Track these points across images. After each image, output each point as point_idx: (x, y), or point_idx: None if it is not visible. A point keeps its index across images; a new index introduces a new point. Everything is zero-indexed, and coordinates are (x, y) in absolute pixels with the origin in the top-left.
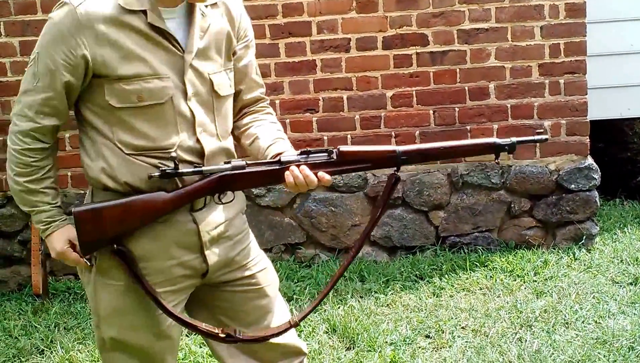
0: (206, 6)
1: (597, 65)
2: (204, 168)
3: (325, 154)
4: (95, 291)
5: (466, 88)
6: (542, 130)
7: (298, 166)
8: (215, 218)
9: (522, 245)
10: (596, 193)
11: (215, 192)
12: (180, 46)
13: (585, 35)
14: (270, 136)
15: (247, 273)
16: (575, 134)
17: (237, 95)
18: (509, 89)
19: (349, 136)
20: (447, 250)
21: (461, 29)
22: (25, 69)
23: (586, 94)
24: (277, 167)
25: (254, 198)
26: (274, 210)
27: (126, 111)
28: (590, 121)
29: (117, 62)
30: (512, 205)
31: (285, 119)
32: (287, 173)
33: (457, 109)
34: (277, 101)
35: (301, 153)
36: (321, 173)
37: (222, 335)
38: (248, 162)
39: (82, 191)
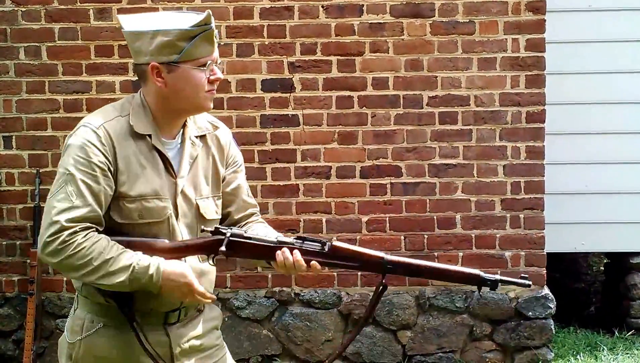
0: (196, 136)
1: (554, 202)
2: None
3: (319, 244)
4: None
5: (435, 217)
6: (526, 276)
7: (292, 249)
8: (188, 331)
9: None
10: (552, 321)
11: (210, 252)
12: (174, 171)
13: (544, 176)
14: (263, 230)
15: None
16: (533, 265)
17: (227, 216)
18: (473, 220)
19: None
20: None
21: (432, 164)
22: (51, 194)
23: (544, 229)
24: (272, 245)
25: (234, 309)
26: (252, 322)
27: (126, 225)
28: (547, 253)
29: (126, 180)
30: (474, 328)
31: None
32: (278, 252)
33: (426, 236)
34: None
35: (297, 238)
36: (314, 262)
37: None
38: (246, 234)
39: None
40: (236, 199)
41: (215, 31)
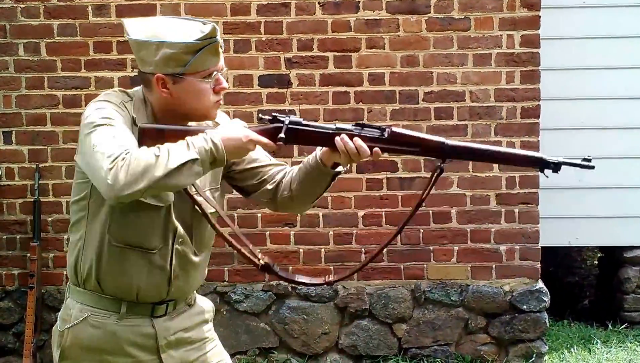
0: None
1: (549, 197)
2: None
3: (378, 131)
4: None
5: (430, 212)
6: (589, 158)
7: (351, 137)
8: (176, 325)
9: (477, 359)
10: (546, 314)
11: (270, 140)
12: None
13: (538, 171)
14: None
15: None
16: (527, 259)
17: (262, 183)
18: (469, 215)
19: (322, 250)
20: (408, 360)
21: (427, 159)
22: (89, 151)
23: (538, 223)
24: (331, 131)
25: (232, 303)
26: (250, 315)
27: (124, 207)
28: (542, 247)
29: None
30: (469, 322)
31: (265, 231)
32: (337, 138)
33: (421, 230)
34: (259, 215)
35: (356, 125)
36: (377, 149)
37: None
38: (304, 121)
39: None
40: (260, 167)
41: (221, 42)
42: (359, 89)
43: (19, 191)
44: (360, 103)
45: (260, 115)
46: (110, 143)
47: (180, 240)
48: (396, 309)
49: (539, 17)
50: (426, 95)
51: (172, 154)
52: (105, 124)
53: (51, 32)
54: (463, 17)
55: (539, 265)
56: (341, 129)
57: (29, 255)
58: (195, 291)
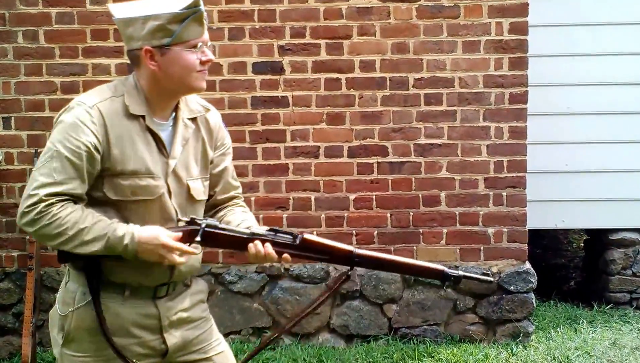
0: (188, 119)
1: (536, 181)
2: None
3: (291, 237)
4: (62, 362)
5: (420, 195)
6: (488, 273)
7: (264, 242)
8: (176, 305)
9: (466, 339)
10: (533, 295)
11: (186, 242)
12: (167, 151)
13: (526, 155)
14: (240, 217)
15: (204, 355)
16: (515, 241)
17: (211, 196)
18: (457, 198)
19: (314, 233)
20: (398, 340)
21: (417, 143)
22: (36, 167)
23: (526, 206)
24: (245, 237)
25: (226, 284)
26: (244, 296)
27: (120, 202)
28: (529, 229)
29: (119, 159)
30: (458, 302)
31: (259, 214)
32: (250, 244)
33: (411, 213)
34: (253, 198)
35: (270, 230)
36: (286, 255)
37: None
38: (220, 225)
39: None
40: (221, 180)
41: (205, 13)
42: (350, 75)
43: (18, 176)
44: (352, 90)
45: (178, 217)
46: (46, 181)
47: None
48: (386, 290)
49: (527, 4)
50: (416, 81)
51: (85, 241)
52: (59, 154)
53: (49, 20)
54: (453, 4)
55: (526, 247)
56: (255, 235)
57: (28, 237)
58: None
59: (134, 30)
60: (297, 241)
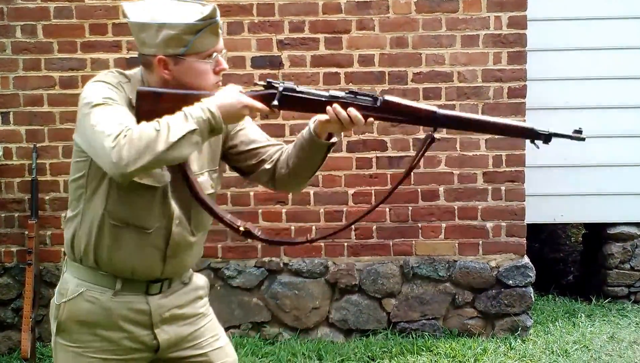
0: None
1: (534, 175)
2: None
3: (371, 99)
4: (56, 351)
5: (419, 190)
6: (581, 129)
7: (344, 105)
8: (170, 302)
9: (464, 333)
10: (531, 289)
11: (267, 102)
12: None
13: (524, 149)
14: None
15: (199, 351)
16: (513, 235)
17: (261, 163)
18: (456, 192)
19: (313, 228)
20: (397, 334)
21: (416, 138)
22: (90, 125)
23: (524, 201)
24: (324, 99)
25: (225, 279)
26: (243, 291)
27: (121, 192)
28: (527, 224)
29: None
30: (457, 296)
31: (258, 209)
32: (329, 108)
33: (410, 208)
34: (252, 193)
35: (349, 92)
36: (371, 119)
37: None
38: (298, 88)
39: None
40: (260, 147)
41: (220, 22)
42: (349, 70)
43: (17, 171)
44: (351, 84)
45: (255, 81)
46: (109, 121)
47: (177, 221)
48: (385, 284)
49: None
50: (415, 76)
51: (172, 128)
52: (103, 104)
53: (48, 14)
54: None
55: (525, 241)
56: (334, 97)
57: (27, 232)
58: (190, 269)
59: (147, 37)
60: (379, 103)
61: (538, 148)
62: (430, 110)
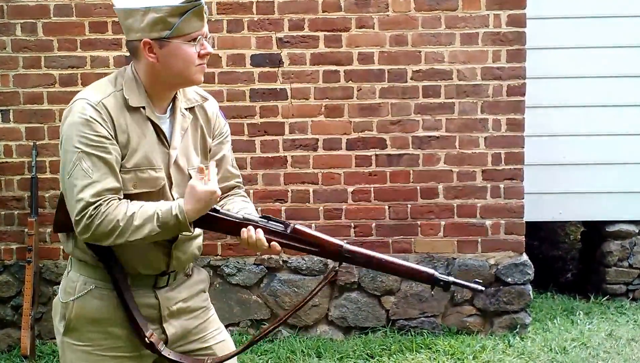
0: (186, 108)
1: (533, 173)
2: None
3: (282, 226)
4: (63, 350)
5: (418, 188)
6: (480, 281)
7: (256, 227)
8: (177, 295)
9: (463, 330)
10: (530, 286)
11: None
12: (168, 142)
13: (523, 147)
14: (239, 206)
15: (204, 345)
16: (512, 233)
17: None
18: (455, 190)
19: (313, 225)
20: (396, 332)
21: (415, 136)
22: (67, 175)
23: (523, 198)
24: (237, 221)
25: (225, 276)
26: (242, 288)
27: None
28: (526, 222)
29: (124, 152)
30: (455, 294)
31: (257, 207)
32: (243, 229)
33: (409, 205)
34: (251, 191)
35: (263, 217)
36: (274, 243)
37: None
38: (216, 208)
39: None
40: (220, 169)
41: (205, 7)
42: (348, 68)
43: (16, 168)
44: (350, 82)
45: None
46: (85, 182)
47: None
48: (384, 282)
49: None
50: (414, 74)
51: (137, 226)
52: (86, 154)
53: (48, 12)
54: None
55: (524, 239)
56: (247, 220)
57: (26, 230)
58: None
59: (133, 22)
60: (288, 231)
61: (433, 295)
62: (337, 244)
